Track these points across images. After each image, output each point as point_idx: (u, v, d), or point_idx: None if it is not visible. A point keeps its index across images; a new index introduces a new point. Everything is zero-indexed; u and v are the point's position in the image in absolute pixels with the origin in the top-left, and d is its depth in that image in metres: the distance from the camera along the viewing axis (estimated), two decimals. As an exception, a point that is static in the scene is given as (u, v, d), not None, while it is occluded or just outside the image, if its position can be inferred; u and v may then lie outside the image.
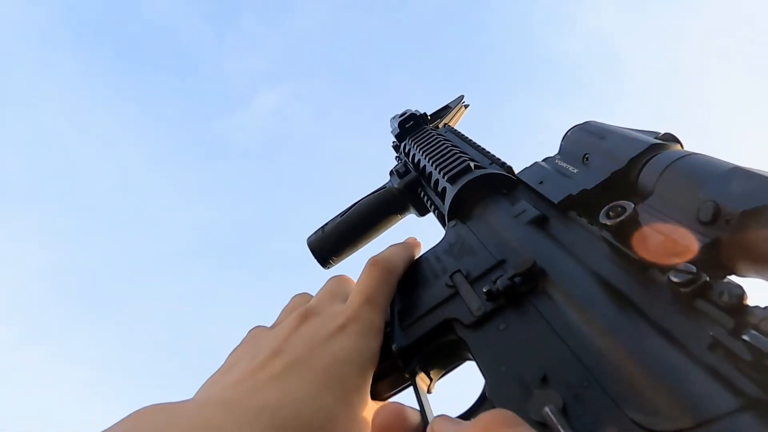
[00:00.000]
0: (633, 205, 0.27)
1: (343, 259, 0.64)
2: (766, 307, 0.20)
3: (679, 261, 0.26)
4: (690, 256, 0.26)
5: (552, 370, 0.25)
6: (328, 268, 0.64)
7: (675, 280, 0.24)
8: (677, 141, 0.36)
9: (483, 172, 0.46)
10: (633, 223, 0.28)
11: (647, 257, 0.27)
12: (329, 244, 0.62)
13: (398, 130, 0.73)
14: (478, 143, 0.59)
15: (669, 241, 0.27)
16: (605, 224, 0.28)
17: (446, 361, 0.34)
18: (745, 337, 0.19)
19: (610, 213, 0.28)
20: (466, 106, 0.83)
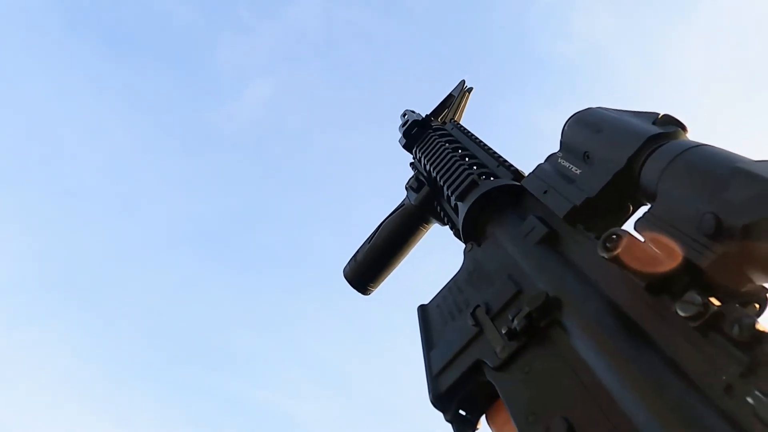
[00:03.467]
0: (627, 233, 0.26)
1: (380, 283, 0.65)
2: None
3: (686, 280, 0.25)
4: (696, 275, 0.25)
5: (575, 417, 0.25)
6: (368, 294, 0.65)
7: (683, 314, 0.23)
8: (678, 124, 0.34)
9: (488, 187, 0.45)
10: (634, 248, 0.27)
11: (654, 280, 0.26)
12: (365, 273, 0.64)
13: (404, 140, 0.72)
14: (484, 141, 0.57)
15: (674, 261, 0.26)
16: (604, 257, 0.27)
17: (483, 402, 0.34)
18: (757, 393, 0.19)
19: (607, 245, 0.27)
20: (470, 91, 0.81)
